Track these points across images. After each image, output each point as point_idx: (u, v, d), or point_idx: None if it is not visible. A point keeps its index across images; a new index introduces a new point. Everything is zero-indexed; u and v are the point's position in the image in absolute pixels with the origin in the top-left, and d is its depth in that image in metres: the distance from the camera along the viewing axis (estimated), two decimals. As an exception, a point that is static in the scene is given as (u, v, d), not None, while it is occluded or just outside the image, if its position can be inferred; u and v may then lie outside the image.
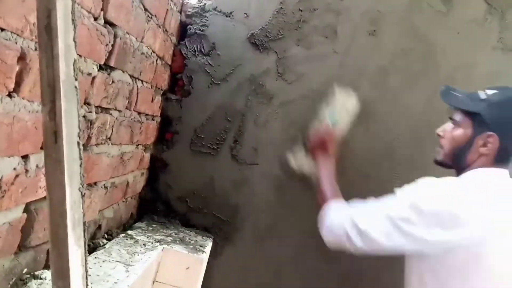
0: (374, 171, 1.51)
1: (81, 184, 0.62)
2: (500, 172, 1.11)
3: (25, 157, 0.74)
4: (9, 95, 0.65)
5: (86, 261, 0.64)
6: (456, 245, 1.04)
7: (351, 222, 1.15)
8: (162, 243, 1.32)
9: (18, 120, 0.68)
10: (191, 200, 1.60)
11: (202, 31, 1.56)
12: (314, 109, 1.52)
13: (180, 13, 1.56)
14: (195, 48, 1.57)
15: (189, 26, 1.57)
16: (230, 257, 1.59)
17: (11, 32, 0.62)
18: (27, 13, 0.64)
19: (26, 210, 0.79)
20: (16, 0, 0.61)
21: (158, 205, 1.61)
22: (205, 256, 1.35)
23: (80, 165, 0.61)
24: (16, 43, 0.64)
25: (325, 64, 1.53)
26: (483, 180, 1.10)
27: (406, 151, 1.50)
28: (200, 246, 1.40)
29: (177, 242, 1.38)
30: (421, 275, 1.13)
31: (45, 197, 0.84)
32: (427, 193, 1.08)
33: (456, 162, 1.17)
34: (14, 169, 0.71)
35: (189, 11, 1.57)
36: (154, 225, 1.50)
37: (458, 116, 1.17)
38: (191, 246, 1.37)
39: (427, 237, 1.05)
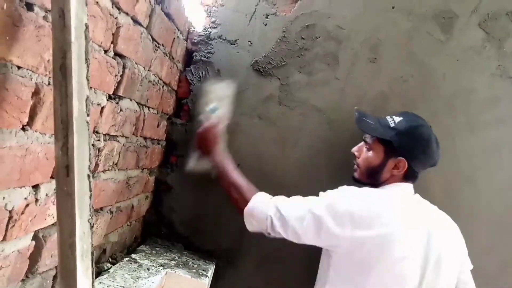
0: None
1: (90, 215, 0.64)
2: (406, 186, 1.30)
3: (35, 187, 0.76)
4: (23, 129, 0.68)
5: (93, 290, 0.65)
6: (364, 242, 1.15)
7: (275, 207, 1.25)
8: (165, 267, 1.33)
9: (30, 152, 0.71)
10: (195, 224, 1.61)
11: (207, 58, 1.61)
12: (317, 135, 1.55)
13: (186, 40, 1.60)
14: (200, 75, 1.61)
15: (194, 53, 1.61)
16: (233, 281, 1.59)
17: (27, 69, 0.65)
18: (42, 51, 0.67)
19: (35, 237, 0.81)
20: (33, 40, 0.64)
21: (161, 228, 1.62)
22: (207, 281, 1.36)
23: (90, 197, 0.64)
24: (31, 79, 0.67)
25: (327, 90, 1.57)
26: (392, 191, 1.28)
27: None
28: (203, 270, 1.41)
29: (180, 266, 1.39)
30: (327, 270, 1.26)
31: (53, 224, 0.86)
32: (344, 196, 1.23)
33: (371, 180, 1.33)
34: (25, 198, 0.73)
35: (195, 39, 1.61)
36: (157, 248, 1.51)
37: (370, 140, 1.33)
38: (194, 270, 1.38)
39: (338, 233, 1.17)
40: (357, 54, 1.55)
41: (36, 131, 0.71)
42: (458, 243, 1.29)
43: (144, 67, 1.19)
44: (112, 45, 0.96)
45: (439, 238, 1.22)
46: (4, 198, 0.66)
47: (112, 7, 0.91)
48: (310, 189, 1.51)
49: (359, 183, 1.36)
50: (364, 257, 1.16)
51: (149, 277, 1.22)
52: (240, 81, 1.58)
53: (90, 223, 0.64)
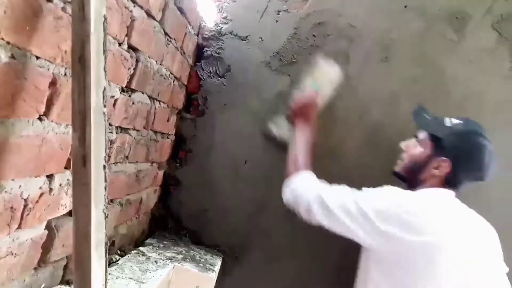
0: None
1: (105, 205, 0.65)
2: (446, 192, 1.23)
3: (49, 176, 0.77)
4: (39, 118, 0.69)
5: (106, 280, 0.66)
6: (411, 247, 1.11)
7: (318, 196, 1.23)
8: (173, 260, 1.34)
9: (46, 142, 0.72)
10: (202, 218, 1.61)
11: (218, 53, 1.61)
12: (327, 133, 1.55)
13: (197, 35, 1.61)
14: (211, 70, 1.62)
15: (205, 48, 1.62)
16: (239, 277, 1.60)
17: (45, 60, 0.66)
18: (60, 41, 0.68)
19: (47, 226, 0.82)
20: (51, 31, 0.65)
21: (169, 222, 1.63)
22: (214, 275, 1.36)
23: (105, 188, 0.65)
24: (48, 69, 0.67)
25: (336, 88, 1.56)
26: (436, 198, 1.22)
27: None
28: (210, 264, 1.42)
29: (188, 260, 1.39)
30: (368, 272, 1.22)
31: (65, 214, 0.87)
32: (391, 196, 1.18)
33: (410, 177, 1.30)
34: (40, 188, 0.74)
35: (206, 34, 1.62)
36: (165, 242, 1.52)
37: (422, 136, 1.30)
38: (201, 265, 1.39)
39: (383, 232, 1.12)
40: (369, 53, 1.54)
41: (52, 121, 0.72)
42: (497, 247, 1.24)
43: (156, 61, 1.20)
44: (126, 38, 0.96)
45: (483, 243, 1.19)
46: (20, 186, 0.67)
47: (127, 0, 0.92)
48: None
49: (397, 176, 1.33)
50: (411, 263, 1.12)
51: (157, 270, 1.23)
52: (251, 78, 1.59)
53: (105, 214, 0.65)
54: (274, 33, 1.58)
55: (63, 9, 0.67)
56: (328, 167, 1.55)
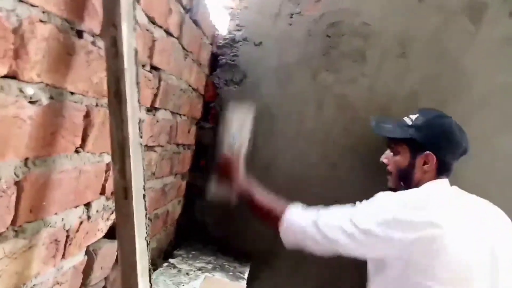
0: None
1: (146, 233, 0.66)
2: (441, 181, 1.27)
3: (87, 205, 0.79)
4: (76, 151, 0.70)
5: (152, 306, 0.67)
6: (416, 243, 1.11)
7: (313, 223, 1.22)
8: (203, 271, 1.36)
9: (83, 173, 0.73)
10: (227, 226, 1.63)
11: (233, 61, 1.61)
12: (346, 133, 1.54)
13: (212, 45, 1.61)
14: (227, 78, 1.62)
15: (220, 56, 1.62)
16: (268, 281, 1.61)
17: (79, 94, 0.67)
18: (91, 75, 0.69)
19: (87, 252, 0.84)
20: (84, 66, 0.66)
21: (194, 232, 1.65)
22: (245, 283, 1.38)
23: (146, 216, 0.66)
24: (82, 103, 0.69)
25: (355, 88, 1.56)
26: (430, 189, 1.25)
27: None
28: (240, 272, 1.43)
29: (217, 269, 1.41)
30: (379, 274, 1.21)
31: (102, 238, 0.89)
32: (385, 203, 1.18)
33: (405, 184, 1.31)
34: (79, 217, 0.76)
35: (220, 43, 1.62)
36: (193, 252, 1.53)
37: (393, 144, 1.33)
38: (231, 273, 1.40)
39: (388, 240, 1.13)
40: (385, 51, 1.53)
41: (88, 152, 0.73)
42: (507, 225, 1.23)
43: (176, 77, 1.21)
44: (149, 60, 0.97)
45: (490, 226, 1.17)
46: (62, 219, 0.69)
47: (148, 22, 0.93)
48: (341, 188, 1.51)
49: (395, 191, 1.31)
50: (421, 259, 1.12)
51: (189, 282, 1.24)
52: (267, 83, 1.59)
53: (147, 241, 0.66)
54: (288, 36, 1.58)
55: (93, 43, 0.67)
56: (352, 163, 1.55)
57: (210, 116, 1.66)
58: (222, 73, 1.62)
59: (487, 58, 1.49)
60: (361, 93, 1.55)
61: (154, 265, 1.33)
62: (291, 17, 1.58)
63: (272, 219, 1.31)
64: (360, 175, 1.55)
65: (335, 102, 1.57)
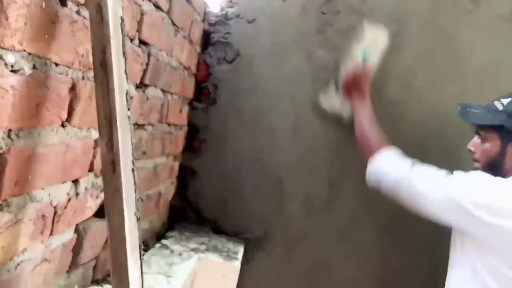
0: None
1: (136, 208, 0.64)
2: None
3: (75, 181, 0.77)
4: (62, 125, 0.68)
5: (143, 282, 0.66)
6: (503, 231, 1.09)
7: (406, 177, 1.20)
8: (196, 251, 1.35)
9: (70, 148, 0.71)
10: (221, 207, 1.62)
11: (225, 39, 1.58)
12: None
13: (203, 22, 1.57)
14: (219, 56, 1.59)
15: (212, 34, 1.59)
16: (262, 263, 1.61)
17: (64, 66, 0.64)
18: (76, 46, 0.66)
19: (76, 230, 0.82)
20: (68, 35, 0.63)
21: (188, 213, 1.64)
22: (239, 263, 1.38)
23: (135, 191, 0.64)
24: (67, 75, 0.66)
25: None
26: None
27: (434, 151, 1.49)
28: (234, 253, 1.42)
29: (211, 250, 1.40)
30: (463, 254, 1.18)
31: (92, 216, 0.87)
32: (483, 182, 1.15)
33: (494, 173, 1.21)
34: (67, 194, 0.74)
35: (212, 20, 1.58)
36: (186, 233, 1.52)
37: (482, 131, 1.24)
38: (225, 254, 1.40)
39: (476, 218, 1.10)
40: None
41: (74, 127, 0.71)
42: None
43: (166, 53, 1.18)
44: (137, 33, 0.94)
45: None
46: (49, 194, 0.67)
47: (137, -6, 0.89)
48: (342, 163, 1.50)
49: None
50: (506, 248, 1.11)
51: (182, 262, 1.23)
52: (261, 61, 1.56)
53: (137, 216, 0.65)
54: (282, 13, 1.55)
55: (78, 12, 0.65)
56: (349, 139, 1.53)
57: (203, 96, 1.63)
58: (214, 51, 1.59)
59: (484, 36, 1.48)
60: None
61: (146, 246, 1.32)
62: (285, -7, 1.54)
63: (366, 151, 1.31)
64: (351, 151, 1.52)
65: (331, 81, 1.55)
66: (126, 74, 0.62)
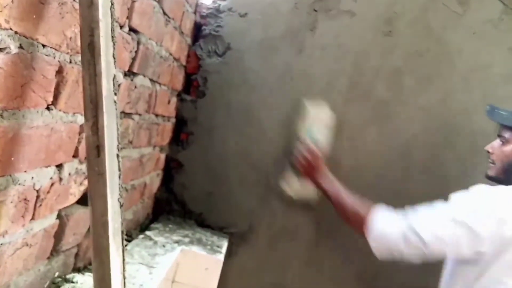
0: (389, 172, 1.52)
1: (120, 194, 0.64)
2: None
3: (59, 166, 0.76)
4: (47, 108, 0.67)
5: (124, 268, 0.66)
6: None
7: (411, 229, 1.16)
8: (180, 243, 1.35)
9: (55, 132, 0.70)
10: (206, 201, 1.62)
11: (216, 32, 1.57)
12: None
13: (195, 13, 1.57)
14: (210, 49, 1.58)
15: (203, 27, 1.58)
16: (245, 256, 1.62)
17: (51, 48, 0.63)
18: (65, 28, 0.65)
19: (58, 216, 0.82)
20: (57, 17, 0.62)
21: (173, 205, 1.63)
22: (222, 257, 1.38)
23: (119, 176, 0.64)
24: (54, 57, 0.65)
25: (340, 63, 1.54)
26: None
27: (421, 151, 1.51)
28: (217, 246, 1.43)
29: (195, 242, 1.40)
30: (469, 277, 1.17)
31: (75, 203, 0.86)
32: (485, 198, 1.14)
33: (506, 176, 1.22)
34: (51, 178, 0.73)
35: (203, 12, 1.58)
36: (170, 226, 1.52)
37: (506, 133, 1.23)
38: (209, 247, 1.40)
39: (487, 237, 1.10)
40: (371, 27, 1.52)
41: (60, 110, 0.70)
42: None
43: (156, 42, 1.17)
44: (127, 20, 0.93)
45: None
46: (32, 177, 0.66)
47: (127, -20, 0.89)
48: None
49: (493, 180, 1.28)
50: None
51: (165, 254, 1.23)
52: (251, 55, 1.56)
53: (120, 202, 0.64)
54: (273, 9, 1.55)
55: (67, -7, 0.64)
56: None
57: (192, 89, 1.63)
58: (205, 43, 1.58)
59: (472, 38, 1.50)
60: (346, 69, 1.53)
61: (130, 236, 1.31)
62: (278, -11, 1.54)
63: (356, 223, 1.27)
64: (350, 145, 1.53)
65: (320, 78, 1.56)
66: (114, 58, 0.62)
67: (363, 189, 1.38)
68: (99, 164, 0.59)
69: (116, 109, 0.62)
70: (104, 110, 0.58)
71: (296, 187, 1.49)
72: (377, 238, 1.22)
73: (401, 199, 1.33)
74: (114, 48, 0.62)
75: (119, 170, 0.64)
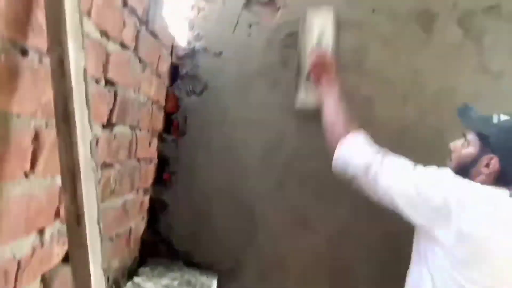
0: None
1: (102, 261, 0.63)
2: (500, 191, 1.19)
3: (40, 230, 0.74)
4: (25, 175, 0.66)
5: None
6: (468, 238, 1.10)
7: (374, 168, 1.19)
8: (169, 288, 1.32)
9: (33, 198, 0.69)
10: (193, 240, 1.60)
11: (193, 71, 1.60)
12: (302, 139, 1.56)
13: (171, 55, 1.59)
14: (188, 89, 1.60)
15: (180, 67, 1.60)
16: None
17: (26, 117, 0.63)
18: (39, 95, 0.66)
19: (42, 279, 0.80)
20: (30, 85, 0.63)
21: (160, 247, 1.61)
22: (212, 298, 1.36)
23: (101, 243, 0.63)
24: (30, 125, 0.65)
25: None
26: (491, 194, 1.18)
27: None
28: (207, 287, 1.40)
29: (184, 285, 1.38)
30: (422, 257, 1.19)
31: (59, 263, 0.84)
32: (453, 185, 1.16)
33: (460, 175, 1.24)
34: (32, 245, 0.71)
35: (180, 53, 1.60)
36: (158, 269, 1.49)
37: (470, 136, 1.27)
38: (198, 288, 1.37)
39: (445, 216, 1.11)
40: (343, 59, 1.55)
41: (38, 176, 0.69)
42: None
43: (134, 90, 1.18)
44: (103, 74, 0.94)
45: None
46: (12, 249, 0.65)
47: (101, 36, 0.90)
48: (303, 195, 1.51)
49: None
50: (465, 255, 1.11)
51: (155, 301, 1.21)
52: (228, 93, 1.59)
53: (103, 269, 0.63)
54: (247, 47, 1.58)
55: (40, 61, 0.64)
56: (311, 167, 1.56)
57: (173, 128, 1.63)
58: (183, 83, 1.60)
59: (438, 62, 1.56)
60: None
61: (118, 285, 1.29)
62: (250, 27, 1.58)
63: (334, 133, 1.29)
64: (322, 178, 1.54)
65: (294, 111, 1.58)
66: (90, 123, 0.62)
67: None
68: (80, 233, 0.59)
69: (94, 174, 0.62)
70: (82, 178, 0.58)
71: (308, 93, 1.49)
72: (341, 156, 1.25)
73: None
74: (89, 113, 0.62)
75: (100, 235, 0.63)
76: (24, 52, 0.61)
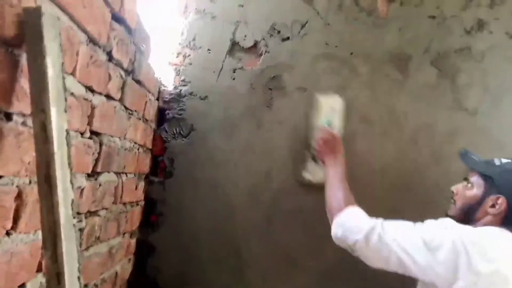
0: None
1: (82, 316, 0.64)
2: (506, 232, 1.19)
3: (21, 286, 0.75)
4: (7, 233, 0.68)
5: None
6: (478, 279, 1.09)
7: (377, 230, 1.18)
8: (155, 334, 1.31)
9: (15, 255, 0.71)
10: (181, 282, 1.59)
11: (180, 115, 1.64)
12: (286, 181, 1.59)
13: (158, 99, 1.63)
14: (174, 131, 1.64)
15: (167, 111, 1.64)
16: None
17: (9, 177, 0.66)
18: (22, 155, 0.68)
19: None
20: (14, 148, 0.66)
21: (147, 289, 1.60)
22: None
23: (81, 298, 0.64)
24: (13, 184, 0.67)
25: (296, 138, 1.62)
26: (496, 235, 1.18)
27: (381, 210, 1.56)
28: (194, 331, 1.39)
29: (171, 330, 1.37)
30: None
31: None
32: (458, 228, 1.17)
33: (464, 217, 1.27)
34: (12, 301, 0.72)
35: (166, 97, 1.65)
36: (145, 313, 1.48)
37: (473, 178, 1.29)
38: (185, 333, 1.36)
39: (454, 267, 1.10)
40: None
41: (20, 233, 0.71)
42: None
43: (119, 138, 1.21)
44: (88, 126, 0.97)
45: None
46: (-9, 308, 0.66)
47: (86, 91, 0.94)
48: (288, 233, 1.53)
49: (451, 218, 1.30)
50: None
51: None
52: (214, 135, 1.63)
53: (83, 325, 0.64)
54: (232, 90, 1.64)
55: (23, 123, 0.68)
56: (296, 204, 1.59)
57: (160, 170, 1.66)
58: (169, 127, 1.64)
59: (414, 101, 1.63)
60: (303, 141, 1.61)
61: (103, 333, 1.27)
62: (234, 72, 1.64)
63: (335, 205, 1.30)
64: (310, 214, 1.57)
65: (281, 150, 1.62)
66: (72, 184, 0.65)
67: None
68: (59, 291, 0.60)
69: (75, 232, 0.65)
70: (63, 238, 0.60)
71: (316, 172, 1.53)
72: (341, 223, 1.25)
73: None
74: (71, 174, 0.65)
75: (81, 290, 0.65)
76: (9, 117, 0.65)
